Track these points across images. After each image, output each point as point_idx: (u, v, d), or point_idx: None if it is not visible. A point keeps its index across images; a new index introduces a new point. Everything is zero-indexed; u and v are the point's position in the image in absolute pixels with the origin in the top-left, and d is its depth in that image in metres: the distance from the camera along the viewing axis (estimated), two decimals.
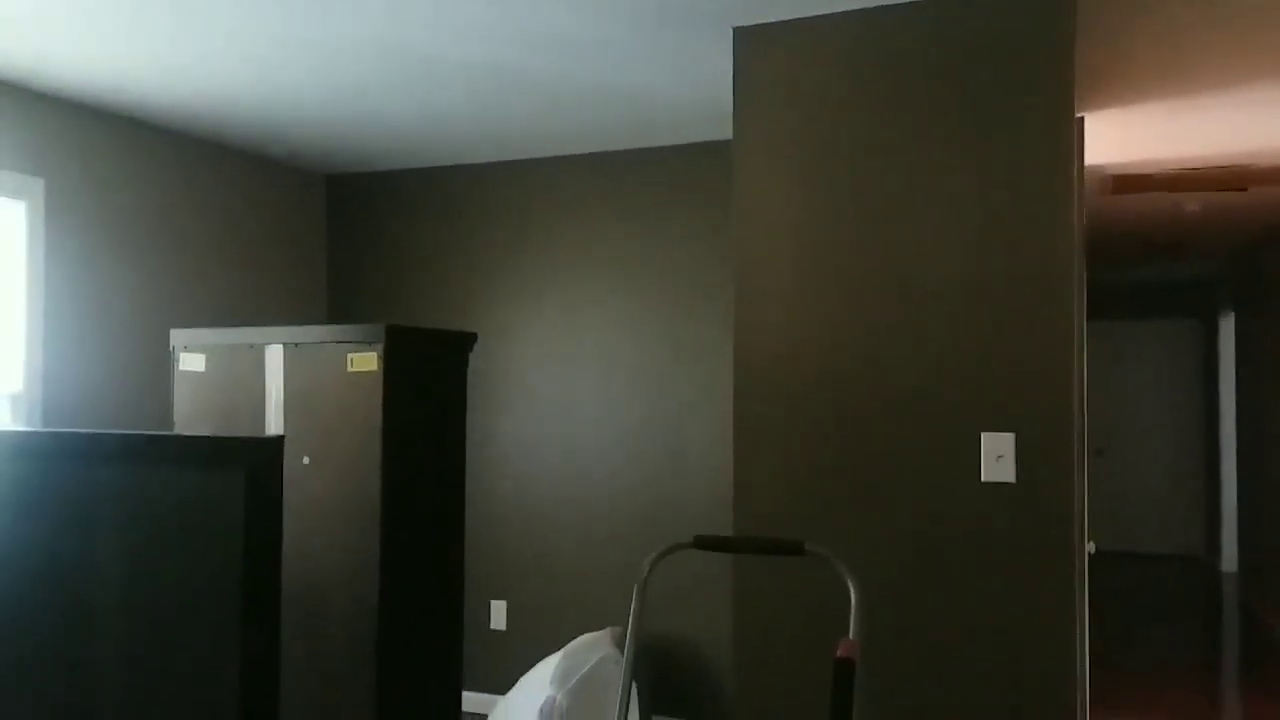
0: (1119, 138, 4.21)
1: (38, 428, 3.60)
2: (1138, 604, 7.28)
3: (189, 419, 3.03)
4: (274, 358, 2.90)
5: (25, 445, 2.21)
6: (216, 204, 4.40)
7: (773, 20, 2.89)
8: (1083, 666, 3.54)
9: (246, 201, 4.56)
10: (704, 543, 2.13)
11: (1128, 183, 4.92)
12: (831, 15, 2.83)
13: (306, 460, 2.85)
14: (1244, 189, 5.03)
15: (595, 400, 4.42)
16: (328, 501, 2.83)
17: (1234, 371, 8.24)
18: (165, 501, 2.03)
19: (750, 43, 2.92)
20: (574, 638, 4.38)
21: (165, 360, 4.13)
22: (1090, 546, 3.51)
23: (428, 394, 2.95)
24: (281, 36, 3.06)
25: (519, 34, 3.02)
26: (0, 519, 2.19)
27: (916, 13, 2.74)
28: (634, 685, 2.05)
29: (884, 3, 2.76)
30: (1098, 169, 4.78)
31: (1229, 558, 8.47)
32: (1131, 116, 3.88)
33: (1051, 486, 2.56)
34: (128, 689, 2.02)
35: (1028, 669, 2.56)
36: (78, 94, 3.68)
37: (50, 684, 2.09)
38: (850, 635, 1.97)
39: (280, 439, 1.93)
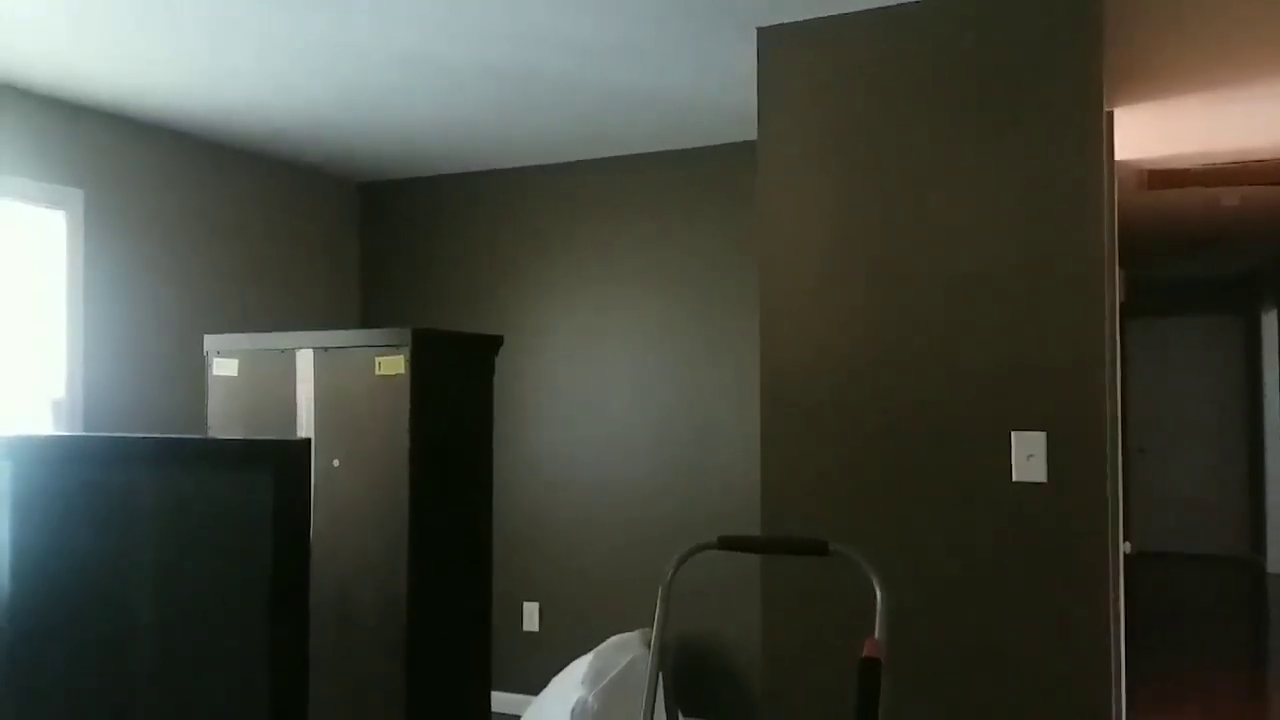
0: (1154, 133, 4.15)
1: (79, 432, 3.68)
2: (1181, 605, 7.16)
3: (222, 422, 3.08)
4: (304, 362, 2.95)
5: (66, 449, 2.26)
6: (251, 212, 4.47)
7: (796, 19, 2.89)
8: (1118, 668, 3.49)
9: (281, 210, 4.62)
10: (728, 543, 2.13)
11: (1163, 178, 4.85)
12: (855, 13, 2.82)
13: (336, 463, 2.89)
14: None
15: (623, 401, 4.43)
16: (357, 503, 2.86)
17: (1277, 368, 8.08)
18: (197, 502, 2.07)
19: (774, 42, 2.92)
20: (606, 639, 4.39)
21: (200, 365, 4.20)
22: (1126, 546, 3.46)
23: (455, 396, 2.97)
24: (312, 47, 3.10)
25: (545, 39, 3.04)
26: (40, 520, 2.24)
27: (941, 9, 2.72)
28: (660, 685, 2.05)
29: None
30: (1133, 164, 4.71)
31: (1275, 558, 8.30)
32: (1166, 111, 3.83)
33: (1084, 486, 2.53)
34: (160, 685, 2.05)
35: (1060, 671, 2.53)
36: (115, 106, 3.75)
37: (85, 680, 2.13)
38: (876, 635, 1.96)
39: (307, 441, 1.96)
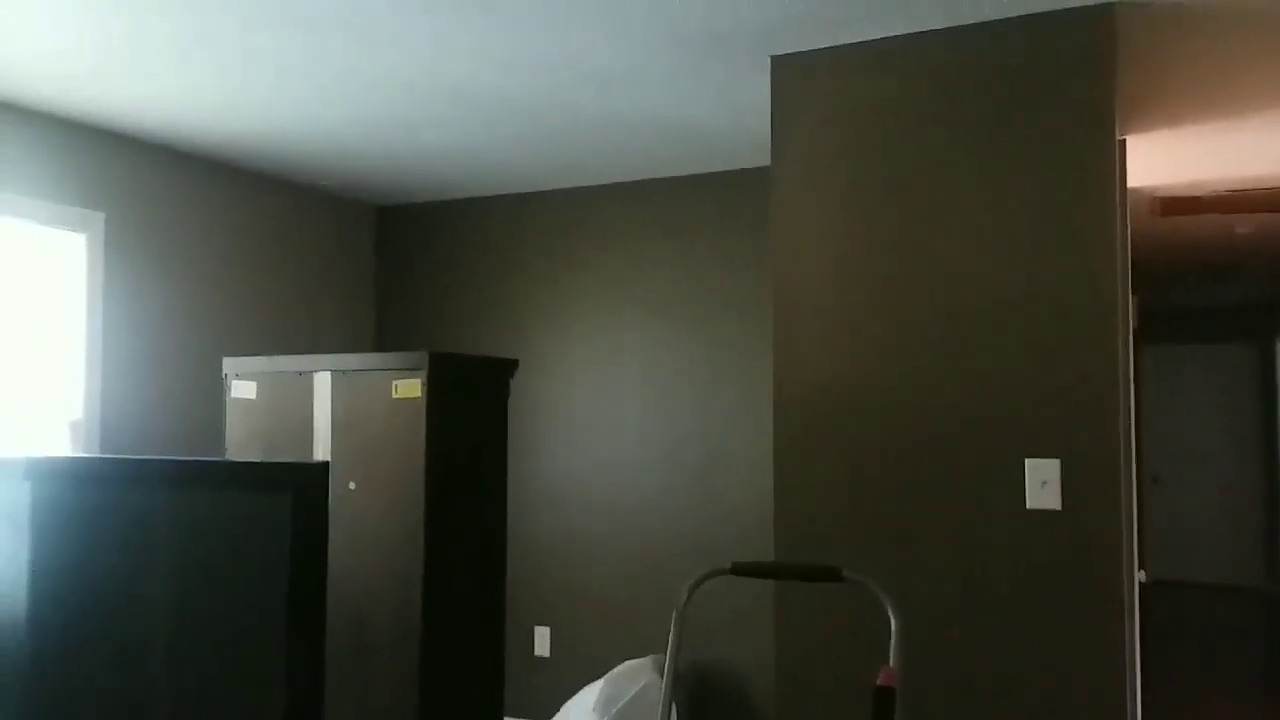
0: (1167, 160, 4.16)
1: (96, 454, 3.70)
2: (1195, 635, 7.09)
3: (240, 444, 3.10)
4: (322, 385, 2.97)
5: (84, 471, 2.28)
6: (271, 236, 4.52)
7: (810, 49, 2.92)
8: (1133, 699, 3.47)
9: (299, 233, 4.67)
10: (741, 569, 2.14)
11: (1176, 205, 4.85)
12: (868, 43, 2.85)
13: (352, 485, 2.90)
14: None
15: (637, 425, 4.44)
16: (373, 526, 2.87)
17: None
18: (216, 524, 2.08)
19: (788, 71, 2.95)
20: (617, 664, 4.37)
21: (218, 387, 4.23)
22: (1141, 575, 3.45)
23: (470, 420, 2.99)
24: (333, 74, 3.15)
25: (562, 67, 3.08)
26: (59, 541, 2.26)
27: (954, 39, 2.75)
28: (673, 713, 2.05)
29: (920, 29, 2.77)
30: (1146, 191, 4.72)
31: None
32: (1179, 139, 3.84)
33: (1099, 514, 2.52)
34: (177, 706, 2.06)
35: (1075, 700, 2.51)
36: (137, 130, 3.81)
37: (103, 699, 2.14)
38: (890, 663, 1.96)
39: (326, 464, 1.98)
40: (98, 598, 2.18)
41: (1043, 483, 2.58)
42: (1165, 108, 3.45)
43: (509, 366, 3.18)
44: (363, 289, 5.05)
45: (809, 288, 2.89)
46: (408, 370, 2.83)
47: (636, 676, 3.92)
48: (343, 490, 2.92)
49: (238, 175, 4.37)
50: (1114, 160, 2.57)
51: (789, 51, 2.94)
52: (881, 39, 2.83)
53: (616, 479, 4.46)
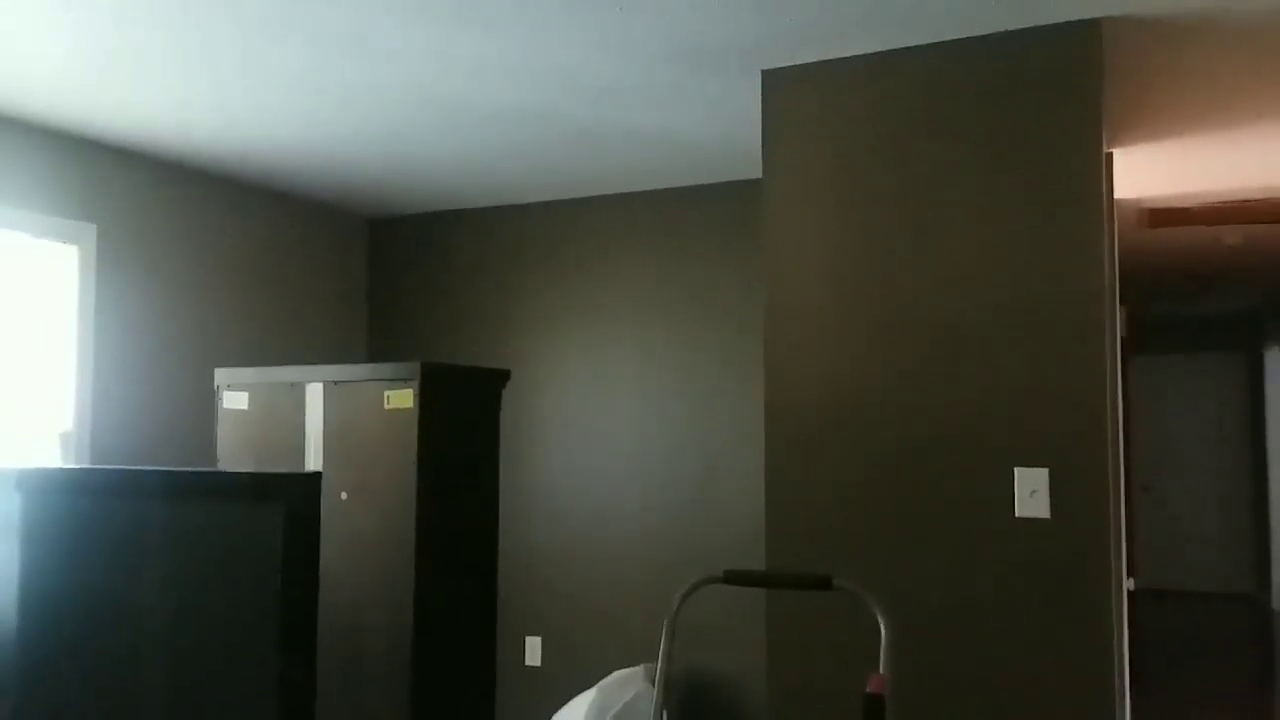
0: (1156, 172, 4.20)
1: (86, 465, 3.70)
2: (1185, 643, 7.12)
3: (232, 455, 3.11)
4: (314, 395, 2.97)
5: (74, 482, 2.28)
6: (262, 247, 4.52)
7: (800, 62, 2.94)
8: (1121, 707, 3.48)
9: (291, 244, 4.68)
10: (733, 577, 2.14)
11: (1163, 217, 4.90)
12: (858, 57, 2.87)
13: (344, 495, 2.91)
14: None
15: (629, 436, 4.45)
16: (364, 536, 2.87)
17: None
18: (207, 535, 2.08)
19: (779, 85, 2.98)
20: (609, 674, 4.37)
21: (210, 398, 4.23)
22: (1129, 583, 3.46)
23: (462, 430, 3.00)
24: (326, 86, 3.16)
25: (555, 80, 3.10)
26: (50, 553, 2.26)
27: (943, 54, 2.77)
28: None
29: (910, 44, 2.80)
30: (1133, 203, 4.76)
31: None
32: (1167, 151, 3.87)
33: (1087, 522, 2.54)
34: (168, 717, 2.06)
35: (1063, 709, 2.53)
36: (129, 142, 3.81)
37: (95, 712, 2.14)
38: (881, 670, 1.97)
39: (318, 475, 1.99)
40: (89, 609, 2.18)
41: (1031, 491, 2.60)
42: (1153, 121, 3.49)
43: (501, 377, 3.19)
44: (354, 300, 5.06)
45: (800, 299, 2.91)
46: (400, 381, 2.84)
47: (628, 685, 3.92)
48: (335, 500, 2.92)
49: (230, 187, 4.37)
50: (1101, 172, 2.59)
51: (780, 66, 2.97)
52: (871, 53, 2.86)
53: (609, 488, 4.47)
